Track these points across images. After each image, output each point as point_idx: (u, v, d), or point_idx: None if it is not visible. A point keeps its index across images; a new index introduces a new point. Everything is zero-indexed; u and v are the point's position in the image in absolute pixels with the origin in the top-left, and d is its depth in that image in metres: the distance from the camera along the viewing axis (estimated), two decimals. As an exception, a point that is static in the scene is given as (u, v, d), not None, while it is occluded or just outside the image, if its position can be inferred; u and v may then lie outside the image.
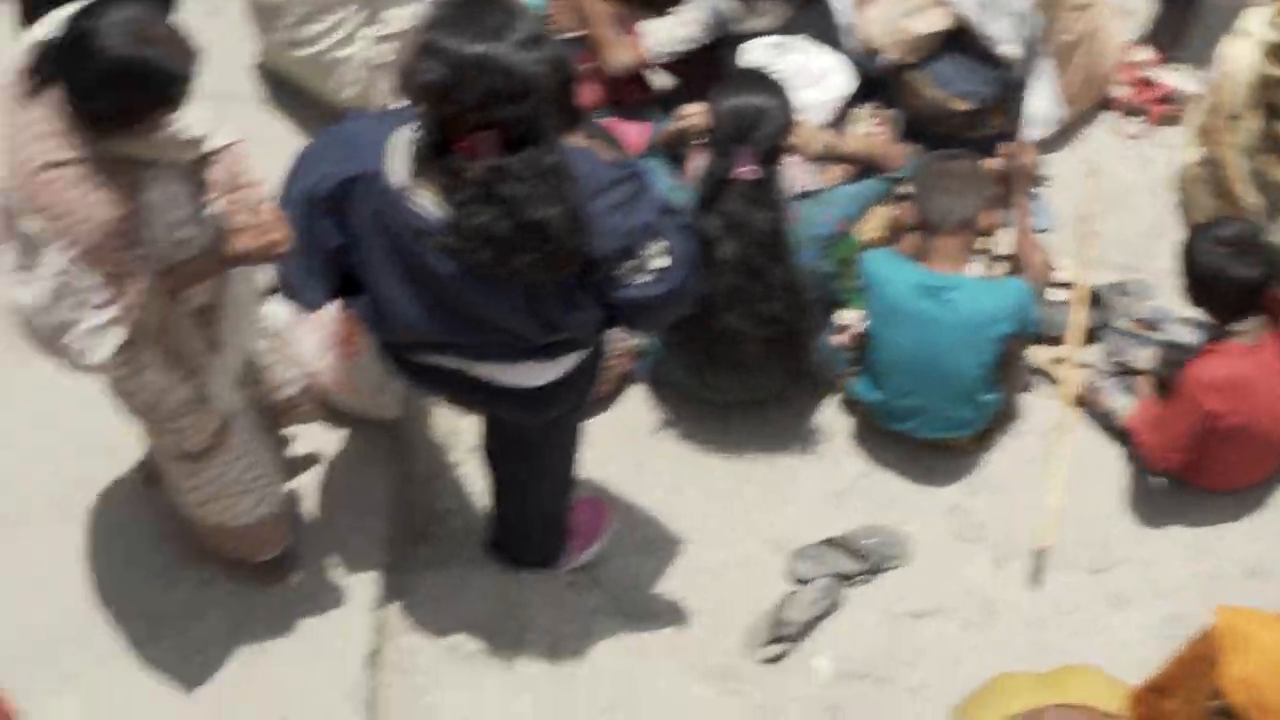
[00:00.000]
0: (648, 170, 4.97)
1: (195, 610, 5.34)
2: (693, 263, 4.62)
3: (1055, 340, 6.24)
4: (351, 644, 5.34)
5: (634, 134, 6.42)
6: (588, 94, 6.43)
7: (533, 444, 5.22)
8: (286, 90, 6.73)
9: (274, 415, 5.37)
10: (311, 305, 4.83)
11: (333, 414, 5.70)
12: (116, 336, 4.40)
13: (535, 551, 5.64)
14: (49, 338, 4.47)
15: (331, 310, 5.12)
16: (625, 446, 6.01)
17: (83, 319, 4.38)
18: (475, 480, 5.84)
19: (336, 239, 4.64)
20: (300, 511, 5.56)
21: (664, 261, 4.53)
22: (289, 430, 5.59)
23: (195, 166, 4.53)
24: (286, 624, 5.34)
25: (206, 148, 4.56)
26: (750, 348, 5.84)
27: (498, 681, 5.45)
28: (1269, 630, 3.87)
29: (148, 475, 5.43)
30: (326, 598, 5.40)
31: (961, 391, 5.86)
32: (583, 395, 5.09)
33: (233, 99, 6.52)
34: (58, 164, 4.27)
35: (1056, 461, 5.92)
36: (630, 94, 6.65)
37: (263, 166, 4.72)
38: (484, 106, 4.27)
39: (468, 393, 4.99)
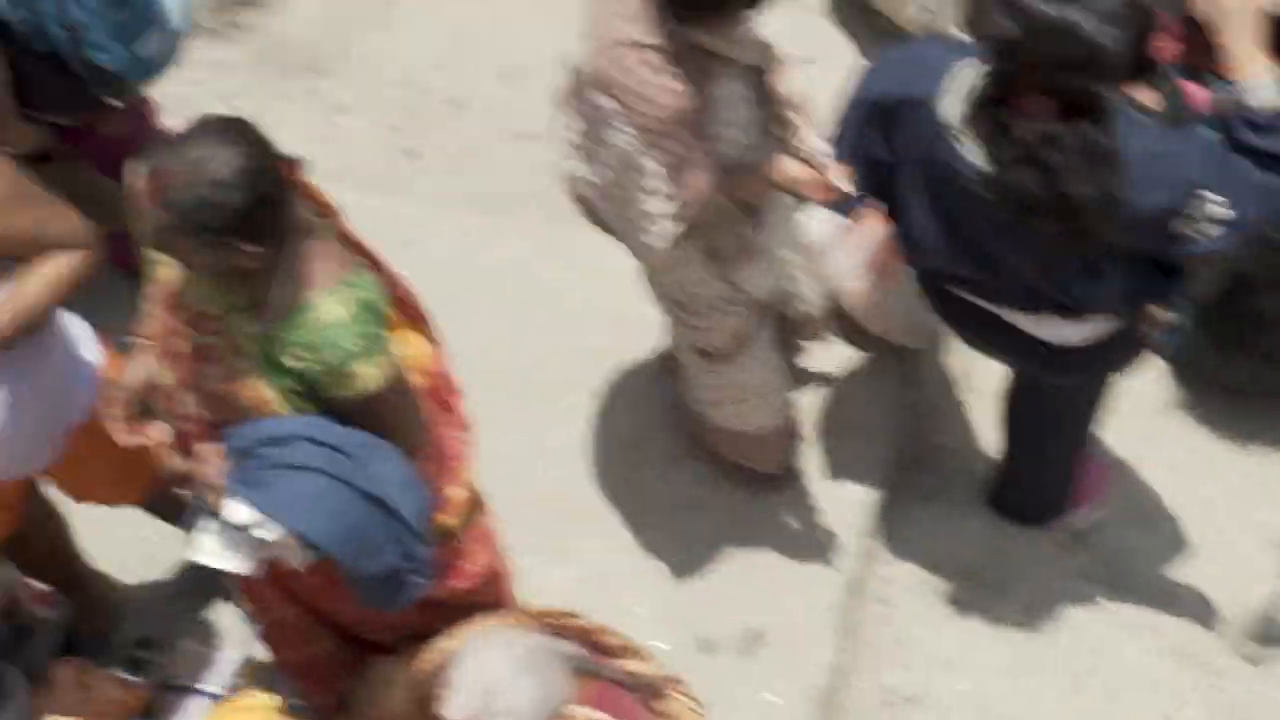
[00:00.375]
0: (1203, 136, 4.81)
1: (691, 503, 5.45)
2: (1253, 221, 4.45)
3: None
4: (835, 566, 5.37)
5: (1197, 97, 6.22)
6: (1162, 49, 6.24)
7: (1054, 400, 5.15)
8: (854, 6, 6.73)
9: (793, 328, 5.41)
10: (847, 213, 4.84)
11: (850, 334, 5.71)
12: (672, 226, 4.47)
13: (1034, 508, 5.58)
14: (610, 215, 4.58)
15: (871, 233, 5.13)
16: (1136, 417, 5.86)
17: (642, 202, 4.47)
18: (978, 422, 5.81)
19: (881, 153, 4.64)
20: (805, 425, 5.59)
21: (1216, 219, 4.39)
22: (804, 344, 5.63)
23: (759, 72, 4.56)
24: (775, 534, 5.40)
25: (775, 55, 4.59)
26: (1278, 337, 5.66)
27: (972, 627, 5.43)
28: None
29: (665, 364, 5.53)
30: (818, 515, 5.43)
31: None
32: (1109, 365, 4.98)
33: (802, 9, 6.56)
34: (639, 45, 4.32)
35: None
36: (1204, 56, 6.43)
37: (822, 80, 4.75)
38: (1049, 71, 4.18)
39: (993, 336, 4.93)
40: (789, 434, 5.40)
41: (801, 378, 5.64)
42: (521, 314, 5.82)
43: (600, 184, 4.54)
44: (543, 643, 4.17)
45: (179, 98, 5.60)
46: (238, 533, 3.90)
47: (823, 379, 5.73)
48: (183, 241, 3.69)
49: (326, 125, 6.48)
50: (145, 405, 4.18)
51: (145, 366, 4.16)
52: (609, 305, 5.74)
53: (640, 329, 5.63)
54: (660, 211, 4.44)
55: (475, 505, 4.42)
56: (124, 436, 4.17)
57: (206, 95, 6.14)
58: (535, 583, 4.97)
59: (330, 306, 3.80)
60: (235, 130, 3.73)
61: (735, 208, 4.66)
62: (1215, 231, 4.36)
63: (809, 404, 5.65)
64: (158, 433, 4.18)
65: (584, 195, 4.64)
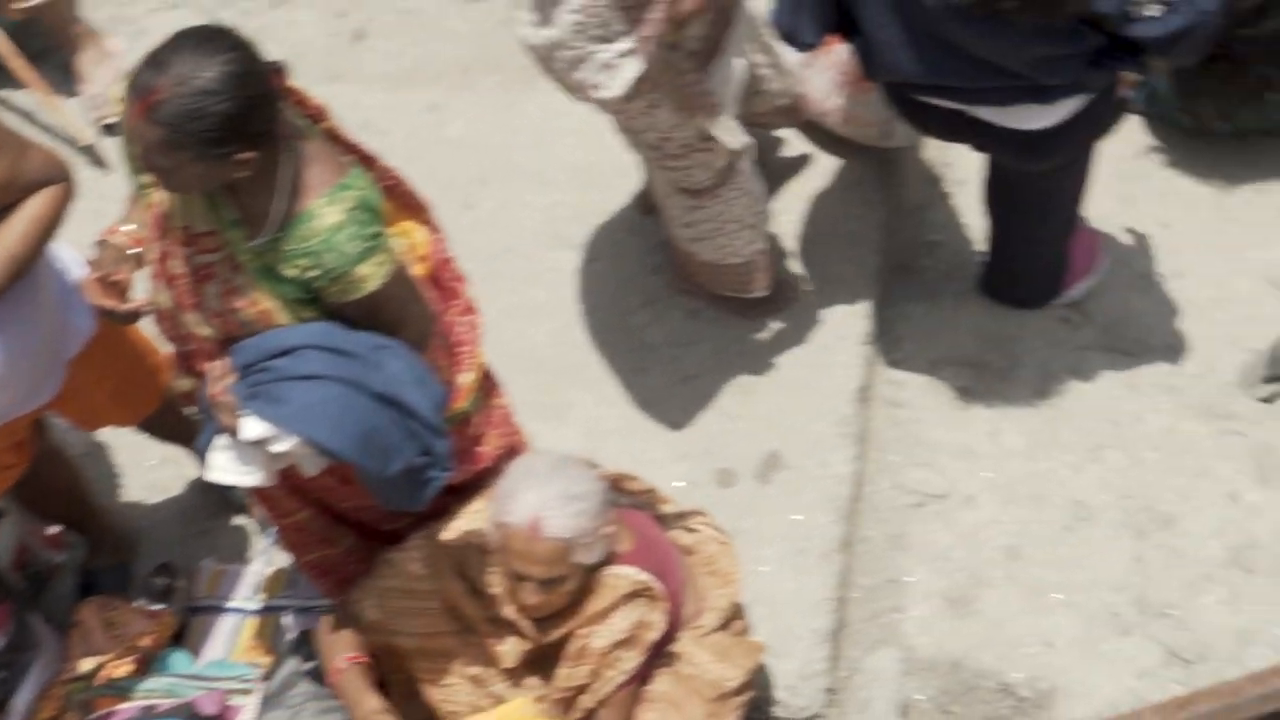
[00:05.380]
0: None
1: (685, 340, 5.42)
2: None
3: None
4: (842, 377, 5.34)
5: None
6: None
7: (1036, 188, 5.10)
8: None
9: (766, 121, 5.41)
10: (804, 45, 4.77)
11: (827, 141, 5.67)
12: (633, 69, 4.40)
13: (1031, 290, 5.53)
14: (566, 71, 4.49)
15: (840, 51, 5.08)
16: (1115, 179, 5.80)
17: (600, 51, 4.39)
18: (966, 212, 5.76)
19: None
20: (792, 242, 5.56)
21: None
22: (779, 133, 5.65)
23: None
24: (776, 356, 5.38)
25: None
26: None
27: (986, 415, 5.40)
28: None
29: (645, 204, 5.48)
30: (816, 331, 5.41)
31: None
32: (1086, 141, 4.96)
33: None
34: None
35: None
36: None
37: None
38: None
39: (970, 135, 4.91)
40: (775, 255, 5.36)
41: (787, 165, 5.66)
42: (490, 182, 5.75)
43: (559, 43, 4.45)
44: (576, 459, 4.25)
45: (118, 19, 5.50)
46: (251, 447, 3.89)
47: (804, 163, 5.72)
48: (175, 156, 3.61)
49: (269, 20, 6.38)
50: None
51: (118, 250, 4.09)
52: (576, 161, 5.70)
53: (611, 179, 5.62)
54: (618, 56, 4.37)
55: (487, 387, 4.41)
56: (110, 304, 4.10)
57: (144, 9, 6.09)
58: (543, 444, 4.96)
59: (326, 212, 3.74)
60: (216, 38, 3.65)
61: (683, 56, 4.58)
62: (1157, 12, 4.35)
63: (793, 220, 5.61)
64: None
65: (545, 58, 4.55)
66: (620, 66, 4.37)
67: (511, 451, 4.51)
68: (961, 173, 5.80)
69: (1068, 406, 5.42)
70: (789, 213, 5.61)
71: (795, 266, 5.52)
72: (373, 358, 3.88)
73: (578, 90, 4.50)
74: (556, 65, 4.48)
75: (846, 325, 5.42)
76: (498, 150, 5.77)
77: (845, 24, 4.67)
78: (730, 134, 4.73)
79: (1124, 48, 4.48)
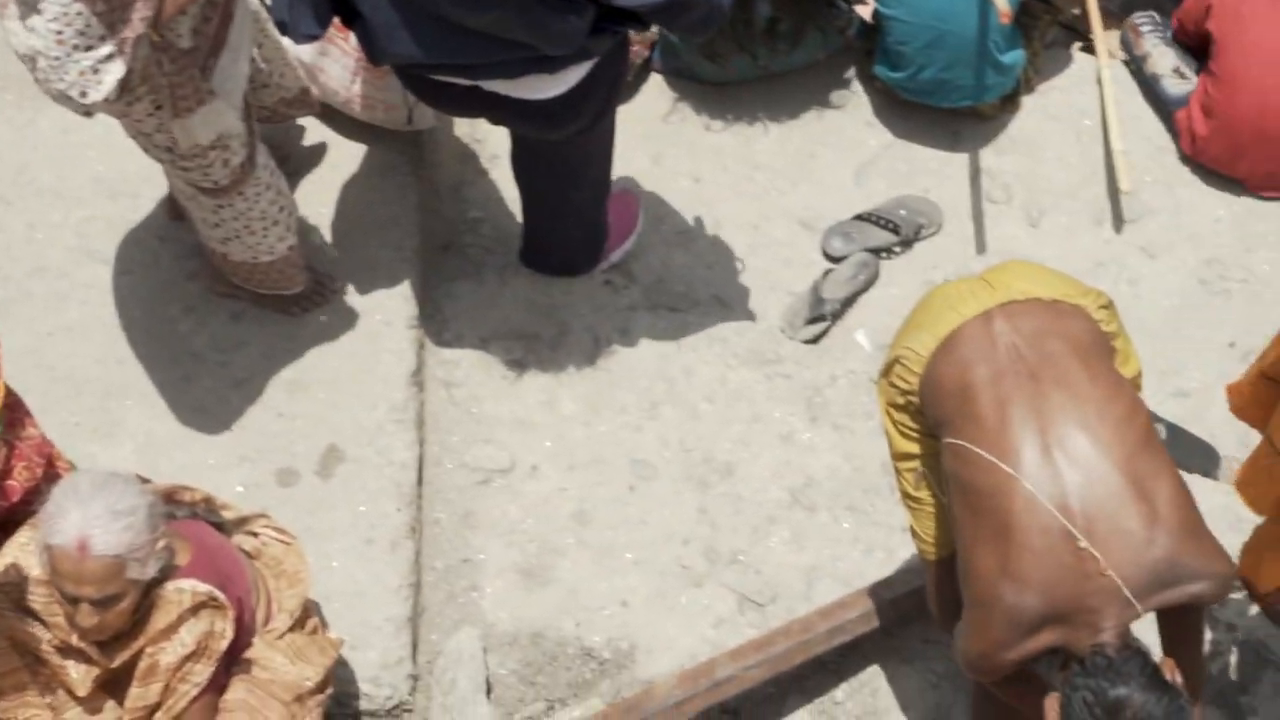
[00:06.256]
0: None
1: (232, 344, 5.32)
2: None
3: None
4: (393, 363, 5.33)
5: None
6: None
7: (561, 156, 5.14)
8: None
9: (279, 113, 5.35)
10: (305, 36, 4.72)
11: (353, 129, 5.64)
12: (115, 72, 4.28)
13: (572, 257, 5.59)
14: (50, 79, 4.35)
15: (354, 39, 5.05)
16: (643, 139, 5.91)
17: (82, 59, 4.27)
18: (503, 187, 5.77)
19: None
20: (329, 232, 5.52)
21: None
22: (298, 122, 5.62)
23: None
24: (325, 349, 5.33)
25: None
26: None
27: (541, 385, 5.45)
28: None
29: (173, 210, 5.37)
30: (363, 320, 5.37)
31: (979, 56, 5.72)
32: (602, 105, 5.00)
33: None
34: None
35: (1109, 108, 5.89)
36: None
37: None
38: None
39: (485, 109, 4.93)
40: (310, 249, 5.32)
41: (309, 155, 5.65)
42: (13, 203, 5.54)
43: (42, 53, 4.31)
44: (121, 475, 4.16)
45: None
46: None
47: (322, 152, 5.68)
48: None
49: None
50: None
51: None
52: (100, 173, 5.55)
53: (138, 188, 5.51)
54: (98, 61, 4.25)
55: (12, 420, 4.28)
56: None
57: None
58: (98, 465, 4.83)
59: None
60: None
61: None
62: None
63: (326, 212, 5.56)
64: None
65: (33, 70, 4.40)
66: (103, 72, 4.25)
67: (51, 480, 4.38)
68: (494, 148, 5.82)
69: (620, 368, 5.50)
70: (321, 205, 5.56)
71: (333, 257, 5.48)
72: None
73: (63, 99, 4.36)
74: (40, 74, 4.33)
75: (392, 311, 5.40)
76: (17, 169, 5.57)
77: (346, 10, 4.65)
78: (188, 132, 4.62)
79: (620, 13, 4.54)
